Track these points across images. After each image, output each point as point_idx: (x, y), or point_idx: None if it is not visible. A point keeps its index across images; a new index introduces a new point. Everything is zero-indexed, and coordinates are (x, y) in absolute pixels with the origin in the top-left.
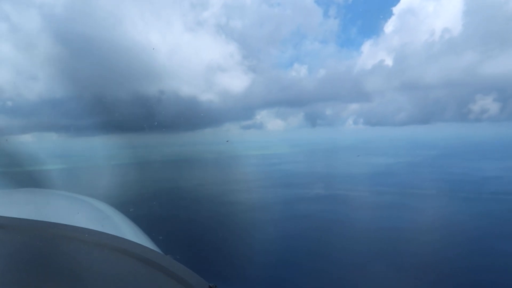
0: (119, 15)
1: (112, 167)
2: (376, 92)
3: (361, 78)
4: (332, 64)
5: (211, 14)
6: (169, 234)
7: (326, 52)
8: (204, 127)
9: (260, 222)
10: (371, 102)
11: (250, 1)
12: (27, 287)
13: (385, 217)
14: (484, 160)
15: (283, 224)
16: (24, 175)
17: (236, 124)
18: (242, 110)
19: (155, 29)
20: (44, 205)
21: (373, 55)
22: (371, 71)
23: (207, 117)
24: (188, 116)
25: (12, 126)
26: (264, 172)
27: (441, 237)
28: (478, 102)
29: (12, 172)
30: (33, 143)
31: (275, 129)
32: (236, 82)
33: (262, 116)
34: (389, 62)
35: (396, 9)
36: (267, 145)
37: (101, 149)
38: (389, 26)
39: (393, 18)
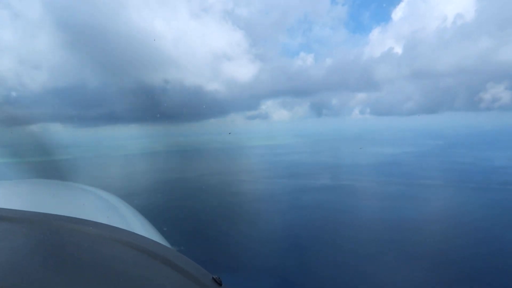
0: (122, 1)
1: (117, 157)
2: (384, 81)
3: (369, 66)
4: (339, 53)
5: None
6: (174, 225)
7: (333, 40)
8: (209, 117)
9: (265, 212)
10: (378, 91)
11: None
12: (30, 281)
13: (389, 208)
14: (493, 150)
15: (289, 215)
16: (32, 165)
17: (242, 114)
18: (247, 100)
19: (160, 16)
20: (51, 196)
21: (382, 42)
22: (380, 59)
23: (212, 107)
24: (193, 106)
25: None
26: (269, 163)
27: (445, 229)
28: (490, 90)
29: (22, 162)
30: (39, 133)
31: (281, 120)
32: (241, 70)
33: (267, 106)
34: (398, 49)
35: None
36: (272, 136)
37: (106, 139)
38: (399, 13)
39: (402, 4)
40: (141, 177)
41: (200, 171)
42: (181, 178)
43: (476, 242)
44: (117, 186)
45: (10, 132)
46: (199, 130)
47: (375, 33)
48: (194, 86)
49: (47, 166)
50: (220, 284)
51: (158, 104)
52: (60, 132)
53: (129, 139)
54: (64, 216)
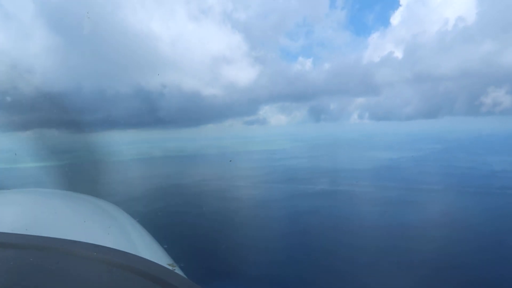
0: (119, 3)
1: (113, 163)
2: (383, 85)
3: (368, 71)
4: (338, 57)
5: (216, 1)
6: (171, 232)
7: (332, 44)
8: (207, 122)
9: (264, 218)
10: (377, 96)
11: None
12: None
13: (388, 213)
14: (492, 155)
15: (287, 221)
16: (29, 171)
17: (240, 119)
18: (245, 105)
19: (157, 18)
20: (48, 207)
21: (382, 46)
22: (379, 63)
23: (210, 113)
24: (190, 112)
25: (10, 121)
26: (268, 168)
27: (444, 234)
28: (491, 94)
29: (20, 168)
30: (34, 140)
31: (279, 124)
32: (240, 74)
33: (265, 111)
34: (398, 53)
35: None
36: (271, 140)
37: (102, 145)
38: (398, 17)
39: (401, 8)
40: (138, 183)
41: (198, 176)
42: (178, 184)
43: (476, 247)
44: (113, 193)
45: (7, 137)
46: (197, 135)
47: (375, 37)
48: (191, 91)
49: (44, 172)
50: None
51: (156, 109)
52: (55, 138)
53: (126, 145)
54: (57, 239)
